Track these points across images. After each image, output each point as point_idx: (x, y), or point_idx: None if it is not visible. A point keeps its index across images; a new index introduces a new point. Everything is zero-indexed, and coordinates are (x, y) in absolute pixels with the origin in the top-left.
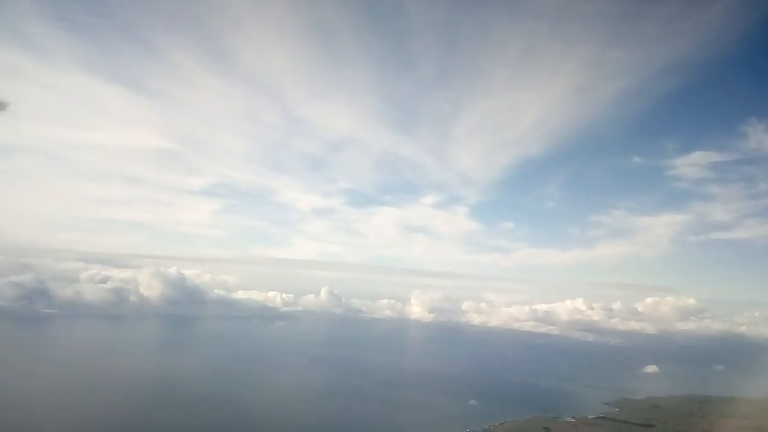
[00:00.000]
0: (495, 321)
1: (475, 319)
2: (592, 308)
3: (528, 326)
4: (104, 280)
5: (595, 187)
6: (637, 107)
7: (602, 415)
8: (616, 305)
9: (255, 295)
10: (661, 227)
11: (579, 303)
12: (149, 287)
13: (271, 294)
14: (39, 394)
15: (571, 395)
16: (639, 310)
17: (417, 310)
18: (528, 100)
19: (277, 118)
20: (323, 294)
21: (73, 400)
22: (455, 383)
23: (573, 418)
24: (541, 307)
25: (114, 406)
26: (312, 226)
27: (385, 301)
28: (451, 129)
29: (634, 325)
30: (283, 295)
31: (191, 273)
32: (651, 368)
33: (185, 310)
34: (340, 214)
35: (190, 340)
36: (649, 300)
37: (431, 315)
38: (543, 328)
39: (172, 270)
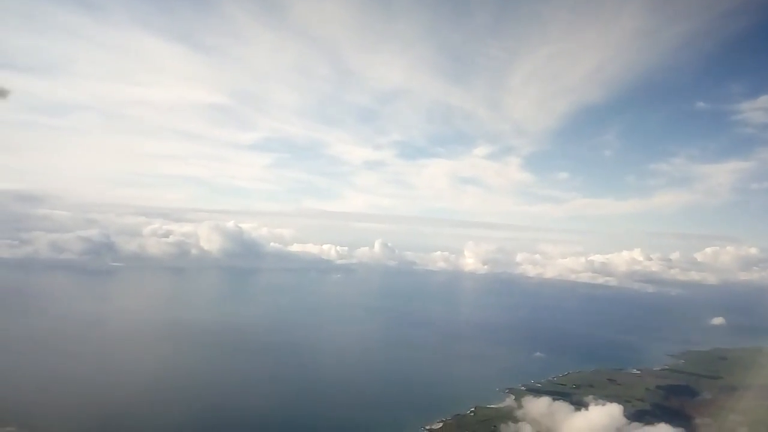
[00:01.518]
0: (551, 272)
1: (531, 271)
2: (650, 259)
3: (585, 277)
4: (166, 234)
5: (654, 134)
6: (704, 50)
7: (667, 367)
8: (675, 255)
9: (310, 248)
10: (722, 175)
11: (637, 253)
12: (209, 241)
13: (325, 247)
14: (113, 344)
15: (634, 347)
16: (699, 260)
17: (471, 261)
18: (587, 46)
19: (328, 71)
20: (377, 246)
21: (145, 349)
22: (515, 335)
23: (638, 369)
24: (598, 258)
25: (184, 355)
26: (363, 179)
27: (438, 253)
28: (506, 78)
29: (695, 276)
30: (338, 247)
31: (248, 227)
32: (717, 320)
33: (244, 262)
34: (390, 167)
35: (251, 292)
36: (709, 250)
37: (485, 267)
38: (600, 280)
39: (230, 224)
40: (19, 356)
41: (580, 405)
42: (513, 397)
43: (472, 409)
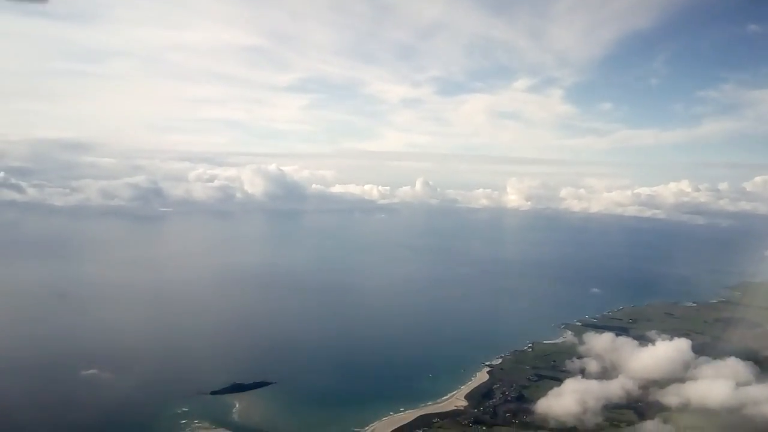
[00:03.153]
0: (596, 207)
1: (575, 206)
2: (698, 190)
3: (631, 211)
4: (211, 179)
5: (703, 60)
6: None
7: (724, 299)
8: (724, 186)
9: (352, 189)
10: None
11: (684, 185)
12: (252, 184)
13: (367, 187)
14: (171, 287)
15: (688, 280)
16: (748, 189)
17: (514, 198)
18: None
19: (365, 7)
20: (418, 185)
21: (201, 291)
22: (564, 271)
23: (694, 302)
24: (644, 190)
25: (239, 297)
26: (400, 117)
27: (480, 190)
28: (549, 5)
29: (745, 206)
30: (379, 187)
31: (290, 169)
32: None
33: (287, 205)
34: (428, 104)
35: (298, 234)
36: (758, 179)
37: (529, 203)
38: (648, 212)
39: (272, 167)
40: (87, 302)
41: (642, 340)
42: (570, 332)
43: (530, 344)
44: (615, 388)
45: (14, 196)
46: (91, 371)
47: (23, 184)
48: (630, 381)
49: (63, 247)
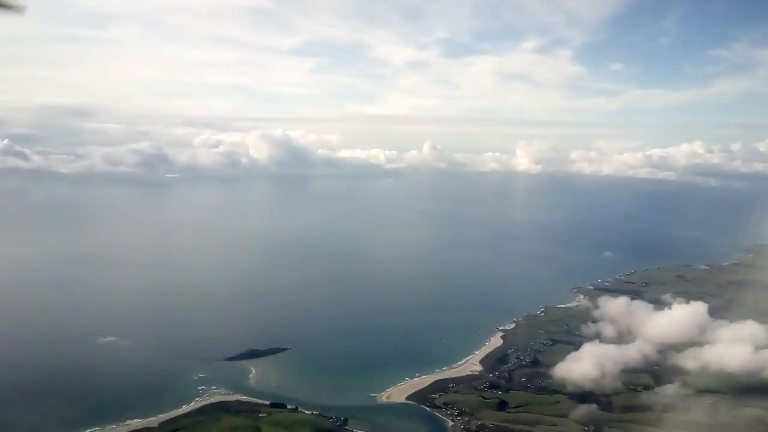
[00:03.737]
0: (607, 169)
1: (586, 168)
2: (711, 151)
3: (643, 173)
4: (216, 145)
5: (716, 18)
6: None
7: (737, 262)
8: (736, 146)
9: (358, 153)
10: None
11: (696, 146)
12: (258, 149)
13: (374, 151)
14: (180, 253)
15: (701, 242)
16: (761, 150)
17: (523, 161)
18: None
19: None
20: (426, 149)
21: (211, 258)
22: (576, 234)
23: (706, 265)
24: (656, 152)
25: (250, 264)
26: (406, 80)
27: (489, 153)
28: None
29: (758, 167)
30: (386, 151)
31: (295, 134)
32: None
33: (293, 170)
34: (434, 66)
35: (305, 200)
36: None
37: (538, 166)
38: (660, 175)
39: (278, 132)
40: (99, 270)
41: (656, 303)
42: (583, 296)
43: (542, 309)
44: (632, 353)
45: (19, 163)
46: (108, 339)
47: (28, 151)
48: (647, 345)
49: (71, 215)
